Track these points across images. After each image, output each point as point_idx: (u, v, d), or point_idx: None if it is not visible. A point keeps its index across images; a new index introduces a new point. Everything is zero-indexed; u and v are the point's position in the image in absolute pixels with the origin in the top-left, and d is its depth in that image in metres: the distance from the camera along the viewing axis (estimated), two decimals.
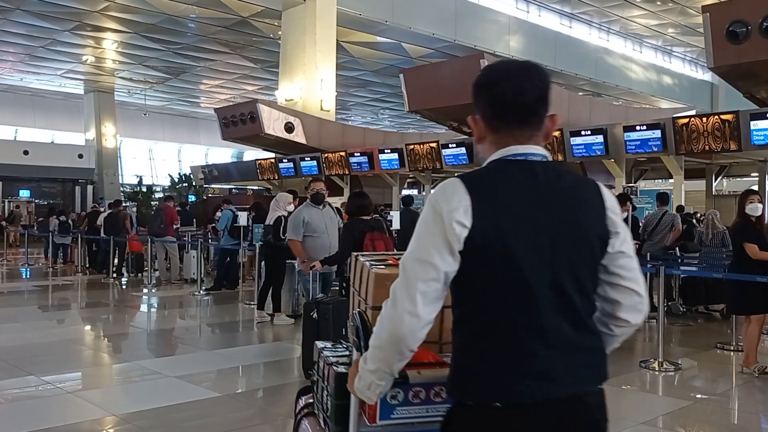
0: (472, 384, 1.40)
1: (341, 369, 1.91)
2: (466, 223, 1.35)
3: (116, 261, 12.91)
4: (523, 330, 1.37)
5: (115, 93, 30.86)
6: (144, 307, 10.16)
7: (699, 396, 5.18)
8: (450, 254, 1.36)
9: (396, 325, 1.39)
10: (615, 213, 1.49)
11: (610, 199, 1.49)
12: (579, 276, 1.41)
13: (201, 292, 10.29)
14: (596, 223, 1.45)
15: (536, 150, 1.47)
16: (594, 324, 1.49)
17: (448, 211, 1.36)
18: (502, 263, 1.36)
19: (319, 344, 2.26)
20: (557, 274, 1.38)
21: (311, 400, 2.26)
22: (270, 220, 7.72)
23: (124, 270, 13.01)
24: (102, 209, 15.77)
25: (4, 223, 21.77)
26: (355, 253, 2.59)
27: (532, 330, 1.37)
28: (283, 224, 7.20)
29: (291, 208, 7.54)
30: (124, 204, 20.57)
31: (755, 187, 14.97)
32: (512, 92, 1.44)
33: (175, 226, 12.12)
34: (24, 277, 14.06)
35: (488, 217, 1.36)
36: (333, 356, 2.06)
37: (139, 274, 12.88)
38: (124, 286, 11.95)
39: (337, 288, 7.19)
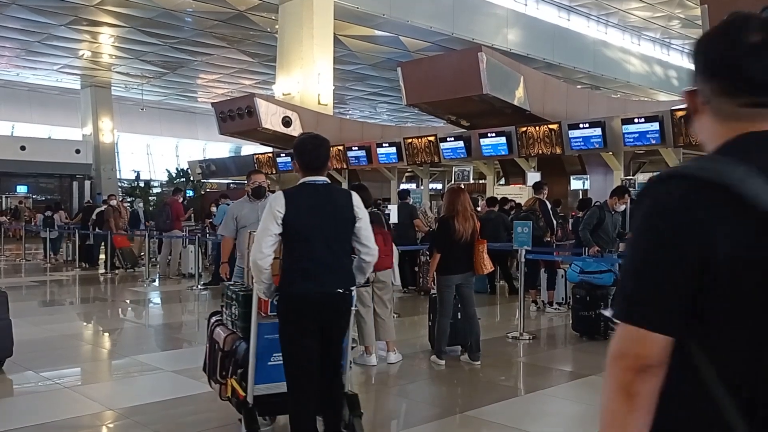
0: (286, 283, 3.08)
1: (243, 293, 3.55)
2: (281, 211, 3.02)
3: (103, 256, 12.99)
4: (305, 259, 3.05)
5: (112, 88, 30.75)
6: (142, 302, 10.15)
7: None
8: (277, 226, 3.01)
9: (254, 260, 3.03)
10: (359, 207, 3.18)
11: (356, 199, 3.20)
12: (338, 236, 3.12)
13: (199, 286, 10.28)
14: (347, 211, 3.14)
15: (319, 179, 3.17)
16: (346, 258, 3.20)
17: (275, 206, 3.05)
18: (298, 229, 3.05)
19: (227, 284, 4.02)
20: (325, 234, 3.06)
21: (220, 317, 3.91)
22: None
23: (117, 263, 12.99)
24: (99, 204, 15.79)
25: (4, 218, 21.74)
26: (249, 231, 3.77)
27: (309, 259, 3.05)
28: None
29: None
30: (129, 199, 20.54)
31: None
32: (315, 156, 3.18)
33: (182, 220, 12.22)
34: (21, 273, 14.04)
35: (291, 208, 3.03)
36: (237, 288, 3.67)
37: (134, 269, 12.87)
38: (119, 281, 11.94)
39: None
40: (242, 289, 3.58)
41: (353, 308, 3.33)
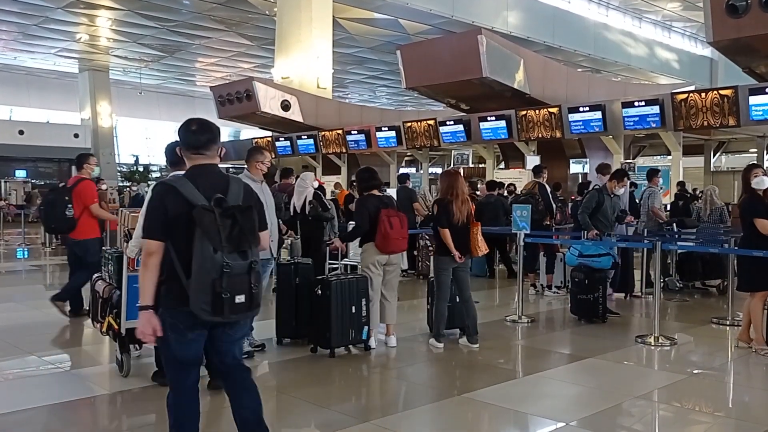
0: None
1: (116, 255, 4.77)
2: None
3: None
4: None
5: (110, 72, 30.60)
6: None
7: (694, 370, 5.22)
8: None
9: (138, 237, 3.87)
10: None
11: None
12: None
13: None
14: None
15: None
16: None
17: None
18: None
19: (105, 248, 5.40)
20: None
21: (100, 274, 5.18)
22: (300, 197, 7.79)
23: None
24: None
25: (3, 202, 21.70)
26: (125, 210, 4.88)
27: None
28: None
29: (316, 184, 8.25)
30: (129, 184, 20.47)
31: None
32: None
33: None
34: (20, 257, 14.07)
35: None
36: (112, 251, 5.01)
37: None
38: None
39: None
40: (115, 252, 4.88)
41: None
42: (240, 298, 2.70)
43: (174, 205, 2.72)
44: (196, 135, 2.90)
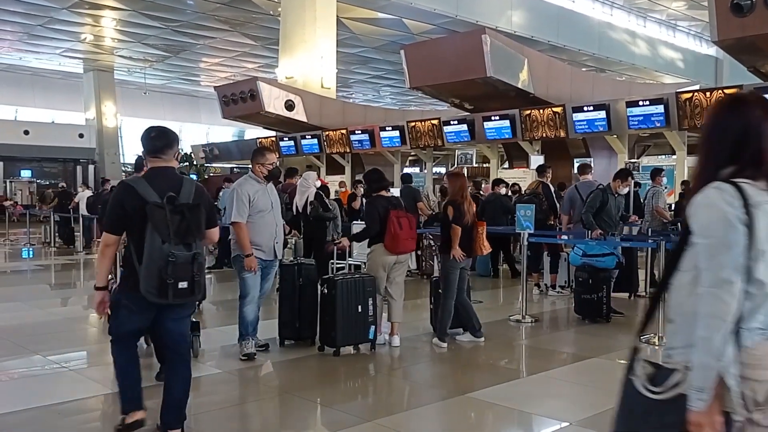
0: None
1: None
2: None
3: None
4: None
5: (115, 72, 30.66)
6: None
7: None
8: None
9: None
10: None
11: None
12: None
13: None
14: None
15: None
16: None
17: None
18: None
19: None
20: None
21: None
22: (303, 197, 7.92)
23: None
24: (81, 190, 16.44)
25: (9, 202, 21.79)
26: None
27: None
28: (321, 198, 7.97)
29: (318, 184, 8.28)
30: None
31: None
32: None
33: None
34: (25, 256, 14.12)
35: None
36: None
37: None
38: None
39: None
40: None
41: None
42: (183, 284, 3.11)
43: (131, 202, 3.16)
44: (153, 141, 3.35)
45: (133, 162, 4.51)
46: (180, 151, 4.89)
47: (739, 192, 1.65)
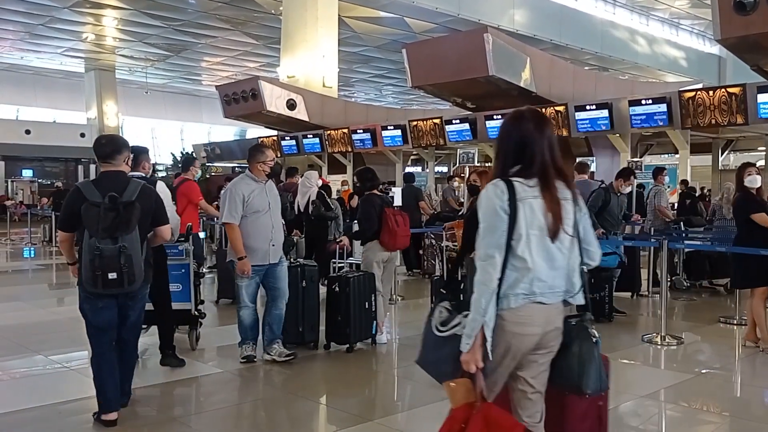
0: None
1: None
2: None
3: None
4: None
5: (116, 71, 30.67)
6: None
7: (701, 370, 5.19)
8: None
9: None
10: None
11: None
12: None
13: (204, 270, 10.30)
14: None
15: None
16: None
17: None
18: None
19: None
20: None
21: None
22: (304, 196, 7.96)
23: None
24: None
25: (11, 201, 21.84)
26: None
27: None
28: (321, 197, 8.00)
29: (320, 183, 8.29)
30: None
31: (761, 162, 14.86)
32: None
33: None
34: (27, 256, 14.13)
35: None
36: None
37: None
38: None
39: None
40: None
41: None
42: (112, 275, 3.41)
43: (77, 202, 3.49)
44: (103, 147, 3.68)
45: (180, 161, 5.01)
46: (148, 159, 5.12)
47: (509, 188, 2.15)
